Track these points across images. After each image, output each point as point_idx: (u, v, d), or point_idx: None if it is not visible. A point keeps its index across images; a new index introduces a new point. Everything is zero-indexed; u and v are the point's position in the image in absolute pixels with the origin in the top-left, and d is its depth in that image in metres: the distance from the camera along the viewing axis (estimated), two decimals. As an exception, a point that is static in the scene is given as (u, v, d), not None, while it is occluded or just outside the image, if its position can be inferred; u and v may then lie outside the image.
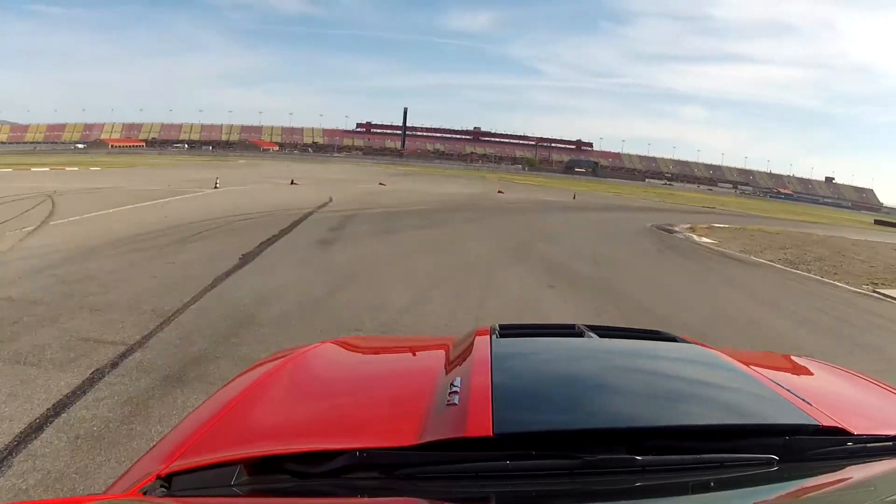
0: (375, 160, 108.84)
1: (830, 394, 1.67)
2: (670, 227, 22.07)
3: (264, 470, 1.15)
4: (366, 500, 1.10)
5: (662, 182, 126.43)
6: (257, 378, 1.63)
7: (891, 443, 1.27)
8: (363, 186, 32.22)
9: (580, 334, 1.86)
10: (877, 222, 61.28)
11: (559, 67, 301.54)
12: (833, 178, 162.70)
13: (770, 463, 1.16)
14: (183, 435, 1.33)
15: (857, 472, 1.18)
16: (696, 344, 1.86)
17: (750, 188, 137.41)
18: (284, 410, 1.44)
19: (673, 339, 1.88)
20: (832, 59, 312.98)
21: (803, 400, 1.37)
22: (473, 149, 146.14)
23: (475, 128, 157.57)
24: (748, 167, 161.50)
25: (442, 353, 1.74)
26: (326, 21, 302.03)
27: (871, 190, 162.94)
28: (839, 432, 1.25)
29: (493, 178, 66.86)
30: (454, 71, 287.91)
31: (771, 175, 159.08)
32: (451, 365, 1.58)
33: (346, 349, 1.97)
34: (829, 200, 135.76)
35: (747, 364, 1.65)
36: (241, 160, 70.95)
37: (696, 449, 1.16)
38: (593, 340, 1.81)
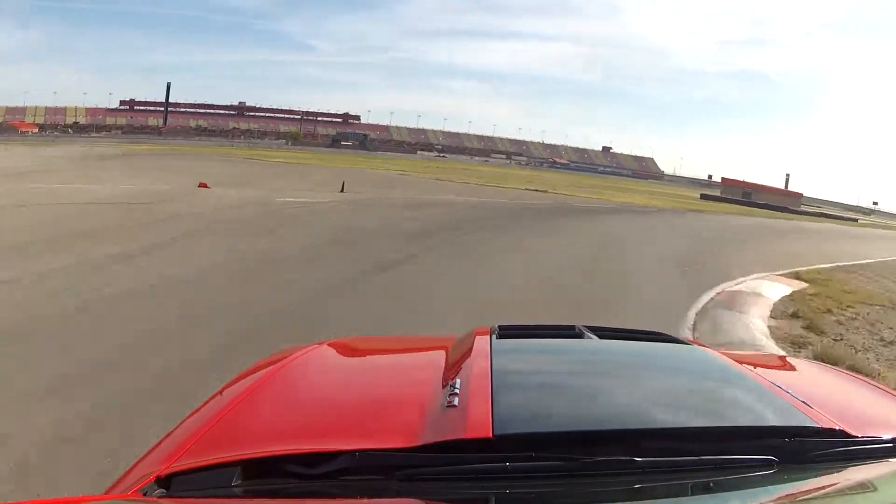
0: (131, 139, 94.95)
1: (830, 395, 1.66)
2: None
3: (264, 471, 1.15)
4: (365, 501, 1.09)
5: (434, 154, 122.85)
6: (257, 379, 1.61)
7: (890, 444, 1.27)
8: None
9: (580, 335, 1.85)
10: (703, 197, 66.65)
11: (333, 43, 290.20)
12: (611, 148, 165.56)
13: (770, 464, 1.16)
14: (183, 435, 1.32)
15: (857, 474, 1.18)
16: (696, 345, 1.88)
17: (524, 158, 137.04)
18: (284, 411, 1.45)
19: (673, 341, 1.89)
20: (610, 35, 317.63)
21: (803, 401, 1.37)
22: (237, 124, 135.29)
23: (240, 102, 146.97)
24: (521, 137, 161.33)
25: (441, 353, 1.72)
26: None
27: (652, 158, 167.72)
28: (839, 434, 1.25)
29: (242, 156, 57.33)
30: (225, 46, 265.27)
31: (546, 145, 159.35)
32: (450, 366, 1.57)
33: (346, 350, 1.96)
34: (609, 169, 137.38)
35: (746, 365, 1.67)
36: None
37: (696, 450, 1.16)
38: (593, 341, 1.81)
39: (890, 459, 1.22)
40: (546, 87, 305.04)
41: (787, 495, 1.12)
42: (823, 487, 1.14)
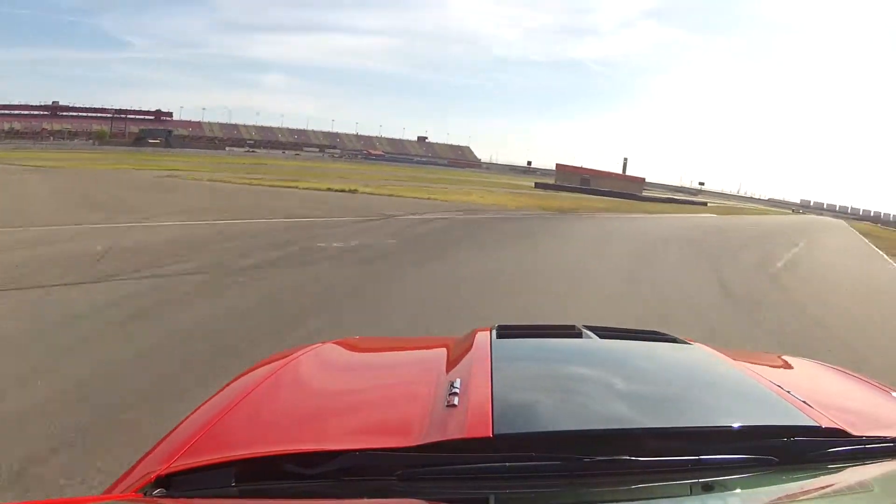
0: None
1: (830, 395, 1.66)
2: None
3: (264, 470, 1.14)
4: (365, 500, 1.10)
5: (245, 149, 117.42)
6: (257, 379, 1.61)
7: (891, 444, 1.27)
8: None
9: (579, 335, 1.86)
10: (538, 185, 62.64)
11: (149, 39, 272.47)
12: (426, 138, 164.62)
13: (770, 464, 1.17)
14: (183, 435, 1.32)
15: (856, 474, 1.18)
16: (696, 345, 1.87)
17: (338, 151, 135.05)
18: (284, 411, 1.45)
19: (673, 340, 1.88)
20: (427, 26, 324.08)
21: (803, 401, 1.37)
22: (51, 125, 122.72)
23: (53, 102, 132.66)
24: (335, 130, 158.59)
25: (442, 353, 1.72)
26: None
27: (468, 147, 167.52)
28: (839, 433, 1.25)
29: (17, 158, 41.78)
30: (37, 43, 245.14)
31: (360, 137, 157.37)
32: (450, 366, 1.57)
33: (346, 350, 1.95)
34: (424, 159, 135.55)
35: (747, 365, 1.67)
36: None
37: (696, 450, 1.16)
38: (593, 341, 1.82)
39: (890, 459, 1.22)
40: (361, 79, 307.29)
41: (787, 495, 1.11)
42: (823, 487, 1.14)
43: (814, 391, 1.55)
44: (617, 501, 1.12)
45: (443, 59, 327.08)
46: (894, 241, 36.07)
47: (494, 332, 1.79)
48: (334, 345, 1.93)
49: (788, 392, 1.43)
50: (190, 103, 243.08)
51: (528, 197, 40.46)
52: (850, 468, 1.19)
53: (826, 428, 1.24)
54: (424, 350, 2.07)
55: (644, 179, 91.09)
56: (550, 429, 1.21)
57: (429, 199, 26.98)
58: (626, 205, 43.85)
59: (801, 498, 1.10)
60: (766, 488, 1.14)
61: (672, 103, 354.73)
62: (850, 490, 1.15)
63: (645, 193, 71.38)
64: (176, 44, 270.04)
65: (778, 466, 1.16)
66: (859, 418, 1.35)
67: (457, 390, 1.33)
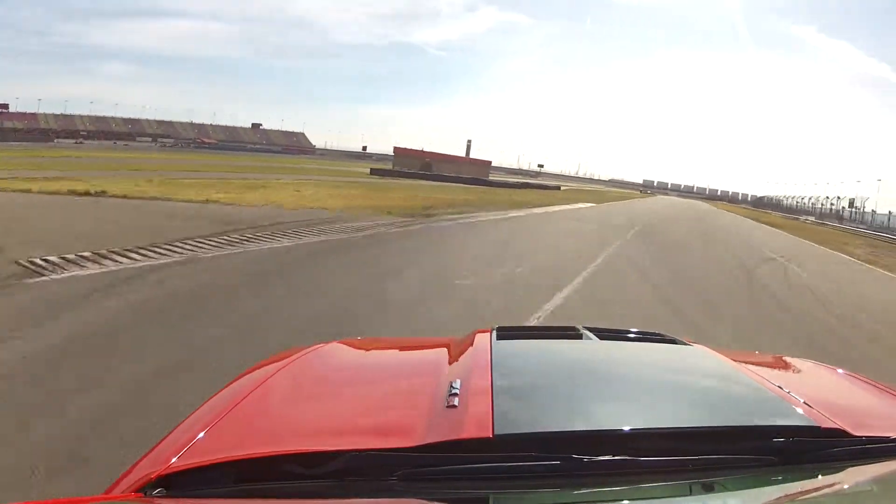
0: None
1: (830, 395, 1.67)
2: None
3: (264, 471, 1.14)
4: (365, 501, 1.10)
5: (75, 141, 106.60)
6: (257, 379, 1.60)
7: (891, 444, 1.27)
8: None
9: (580, 336, 1.87)
10: (373, 172, 58.44)
11: None
12: (261, 125, 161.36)
13: (770, 465, 1.17)
14: (183, 435, 1.32)
15: (857, 474, 1.18)
16: (696, 346, 1.88)
17: (171, 140, 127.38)
18: (284, 411, 1.45)
19: (673, 342, 1.89)
20: (262, 12, 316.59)
21: (803, 402, 1.37)
22: None
23: None
24: (170, 118, 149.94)
25: (442, 354, 1.72)
26: None
27: (303, 133, 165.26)
28: (839, 434, 1.25)
29: None
30: None
31: (194, 125, 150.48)
32: (451, 366, 1.57)
33: (346, 351, 1.95)
34: (259, 147, 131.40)
35: (747, 365, 1.67)
36: None
37: (697, 451, 1.16)
38: (593, 342, 1.82)
39: (890, 459, 1.22)
40: (198, 66, 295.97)
41: (787, 495, 1.11)
42: (823, 487, 1.14)
43: (814, 391, 1.56)
44: (617, 501, 1.11)
45: (281, 44, 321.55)
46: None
47: (494, 333, 1.79)
48: (334, 345, 1.92)
49: (788, 392, 1.44)
50: (27, 95, 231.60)
51: (360, 189, 31.26)
52: (850, 468, 1.18)
53: (826, 428, 1.25)
54: (424, 351, 2.07)
55: (490, 162, 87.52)
56: (550, 429, 1.20)
57: (206, 201, 17.75)
58: (483, 195, 36.83)
59: (801, 498, 1.10)
60: (766, 488, 1.13)
61: (512, 87, 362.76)
62: (850, 490, 1.15)
63: (492, 178, 67.42)
64: (12, 32, 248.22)
65: (778, 466, 1.17)
66: (859, 418, 1.35)
67: (457, 391, 1.32)
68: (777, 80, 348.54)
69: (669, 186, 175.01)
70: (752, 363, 1.77)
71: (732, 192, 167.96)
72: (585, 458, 1.11)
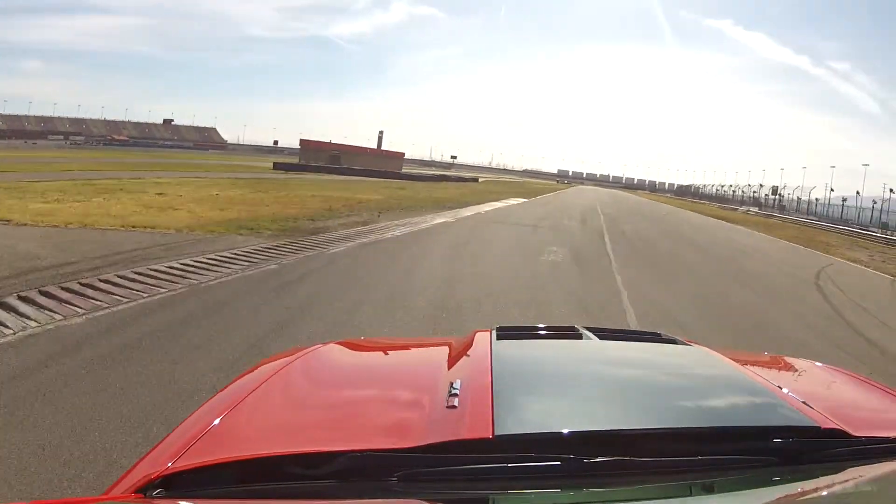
0: None
1: (830, 395, 1.66)
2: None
3: (264, 472, 1.14)
4: (366, 501, 1.10)
5: None
6: (257, 380, 1.59)
7: (891, 444, 1.27)
8: None
9: (579, 336, 1.85)
10: (276, 166, 53.41)
11: None
12: (172, 121, 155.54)
13: (770, 465, 1.17)
14: (183, 436, 1.31)
15: (857, 474, 1.17)
16: (696, 346, 1.87)
17: (82, 138, 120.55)
18: (284, 412, 1.44)
19: (673, 342, 1.88)
20: (174, 6, 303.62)
21: (803, 402, 1.37)
22: None
23: None
24: (82, 116, 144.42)
25: (442, 354, 1.71)
26: None
27: (214, 129, 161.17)
28: (839, 434, 1.25)
29: None
30: None
31: (106, 122, 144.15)
32: (450, 367, 1.56)
33: (346, 351, 1.94)
34: (170, 143, 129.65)
35: (747, 366, 1.66)
36: None
37: (697, 451, 1.16)
38: (593, 343, 1.81)
39: (890, 459, 1.22)
40: (112, 62, 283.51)
41: (787, 495, 1.11)
42: (823, 487, 1.14)
43: (814, 391, 1.58)
44: (617, 502, 1.11)
45: (195, 38, 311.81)
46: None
47: (494, 333, 1.77)
48: (334, 346, 1.90)
49: (788, 392, 1.43)
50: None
51: (243, 190, 24.45)
52: (850, 468, 1.18)
53: (826, 428, 1.25)
54: (424, 351, 2.07)
55: (403, 154, 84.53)
56: (550, 430, 1.19)
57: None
58: (397, 191, 30.72)
59: (801, 498, 1.10)
60: (766, 488, 1.13)
61: (425, 79, 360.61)
62: (850, 490, 1.15)
63: (405, 170, 64.21)
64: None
65: (778, 467, 1.16)
66: (859, 418, 1.35)
67: (457, 391, 1.32)
68: (694, 72, 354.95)
69: (585, 176, 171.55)
70: (752, 363, 1.76)
71: (650, 181, 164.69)
72: (586, 459, 1.10)
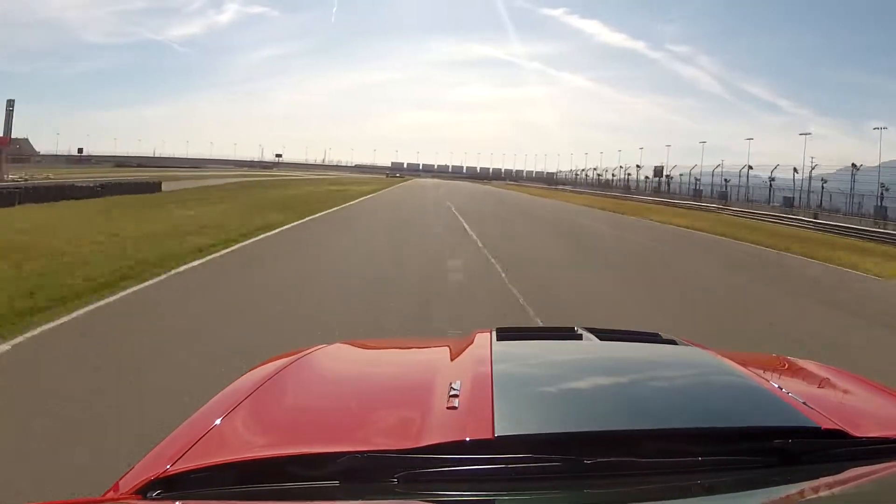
0: None
1: (830, 396, 1.66)
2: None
3: (263, 472, 1.14)
4: (366, 502, 1.10)
5: None
6: (258, 381, 1.58)
7: (891, 444, 1.27)
8: None
9: (579, 337, 1.85)
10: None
11: None
12: None
13: (770, 465, 1.17)
14: (183, 437, 1.31)
15: (857, 474, 1.17)
16: (696, 346, 1.86)
17: None
18: (284, 413, 1.44)
19: (672, 342, 1.87)
20: (9, 13, 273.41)
21: (803, 402, 1.37)
22: None
23: None
24: None
25: (442, 355, 1.71)
26: None
27: (26, 139, 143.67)
28: (839, 434, 1.25)
29: None
30: None
31: None
32: (451, 367, 1.56)
33: (346, 352, 1.93)
34: None
35: (747, 366, 1.65)
36: None
37: (697, 452, 1.16)
38: (593, 343, 1.81)
39: (890, 460, 1.22)
40: None
41: (787, 496, 1.11)
42: (824, 488, 1.14)
43: (814, 391, 1.57)
44: (618, 502, 1.11)
45: (27, 46, 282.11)
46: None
47: (494, 333, 1.77)
48: (334, 346, 1.90)
49: (788, 392, 1.43)
50: None
51: None
52: (850, 468, 1.18)
53: (826, 429, 1.25)
54: (425, 351, 2.06)
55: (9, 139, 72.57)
56: (550, 430, 1.20)
57: None
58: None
59: (802, 498, 1.10)
60: (767, 488, 1.13)
61: (254, 79, 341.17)
62: (850, 490, 1.15)
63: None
64: None
65: (778, 467, 1.16)
66: (859, 419, 1.35)
67: (457, 392, 1.31)
68: (534, 60, 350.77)
69: (421, 168, 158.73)
70: (752, 364, 1.75)
71: (506, 170, 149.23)
72: (586, 460, 1.10)
